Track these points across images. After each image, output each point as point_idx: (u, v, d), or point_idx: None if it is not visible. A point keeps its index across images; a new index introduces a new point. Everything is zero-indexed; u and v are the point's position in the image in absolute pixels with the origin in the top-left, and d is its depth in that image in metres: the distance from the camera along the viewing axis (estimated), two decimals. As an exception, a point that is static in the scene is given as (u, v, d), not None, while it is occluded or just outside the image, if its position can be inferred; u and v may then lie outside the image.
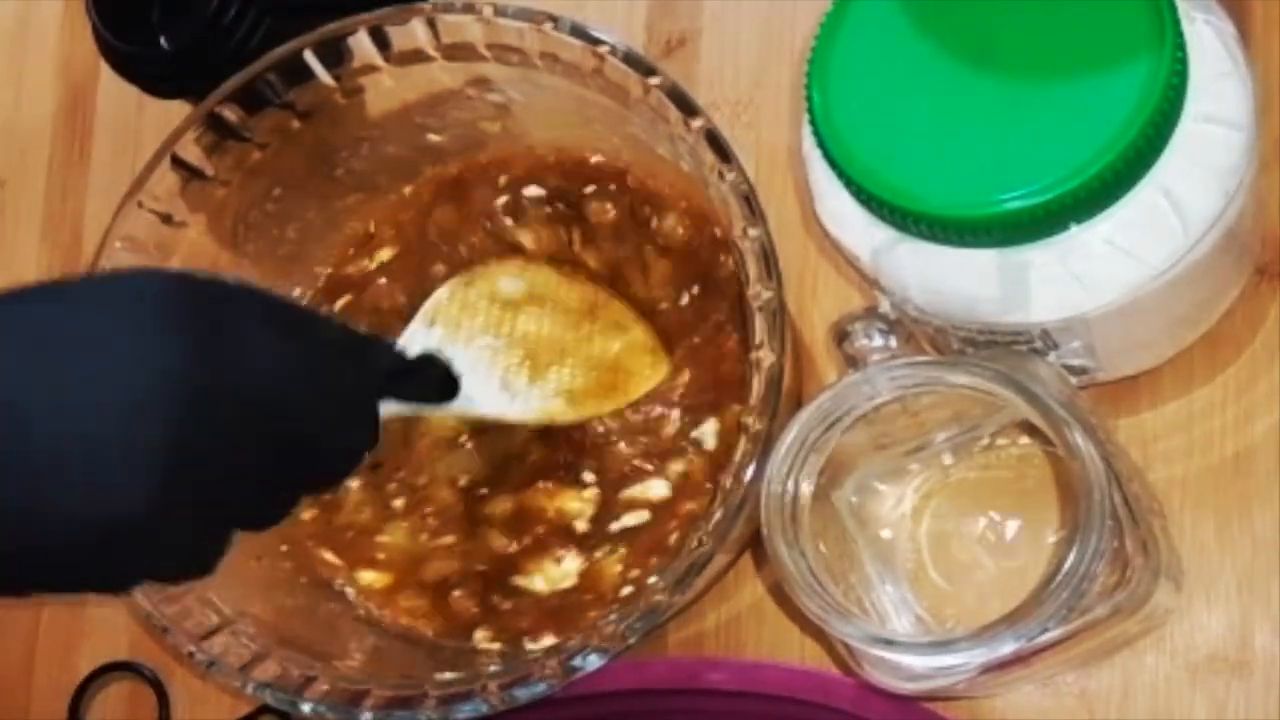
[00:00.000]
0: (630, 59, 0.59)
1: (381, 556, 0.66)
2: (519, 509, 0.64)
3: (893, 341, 0.53)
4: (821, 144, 0.50)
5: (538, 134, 0.67)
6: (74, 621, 0.72)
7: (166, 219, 0.64)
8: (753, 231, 0.56)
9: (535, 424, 0.62)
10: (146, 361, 0.45)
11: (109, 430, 0.44)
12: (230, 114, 0.63)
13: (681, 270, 0.64)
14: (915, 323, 0.54)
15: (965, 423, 0.58)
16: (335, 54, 0.63)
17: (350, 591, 0.66)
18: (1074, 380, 0.55)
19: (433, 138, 0.67)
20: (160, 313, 0.45)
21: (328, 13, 0.63)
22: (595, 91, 0.61)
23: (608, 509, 0.63)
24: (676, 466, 0.63)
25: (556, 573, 0.64)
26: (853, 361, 0.53)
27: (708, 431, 0.63)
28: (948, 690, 0.55)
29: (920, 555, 0.59)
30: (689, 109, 0.58)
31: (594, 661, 0.55)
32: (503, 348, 0.60)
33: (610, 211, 0.66)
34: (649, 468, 0.63)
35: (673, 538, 0.62)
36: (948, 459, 0.59)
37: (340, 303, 0.69)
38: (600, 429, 0.63)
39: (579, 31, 0.59)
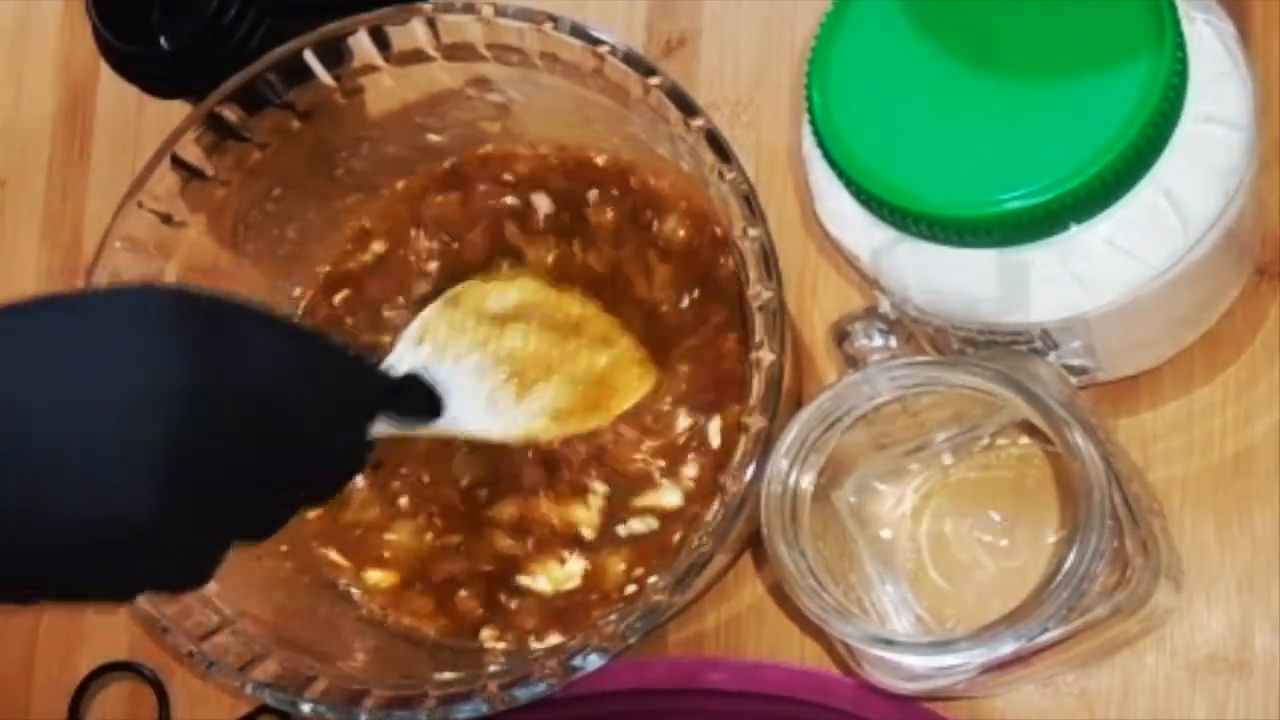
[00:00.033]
0: (630, 59, 0.59)
1: (388, 555, 0.66)
2: (523, 517, 0.64)
3: (893, 341, 0.53)
4: (821, 144, 0.50)
5: (538, 134, 0.67)
6: (74, 622, 0.72)
7: (166, 219, 0.64)
8: (753, 231, 0.56)
9: (520, 443, 0.62)
10: (146, 361, 0.45)
11: (109, 430, 0.44)
12: (230, 114, 0.63)
13: (683, 272, 0.64)
14: (915, 323, 0.54)
15: (965, 423, 0.58)
16: (335, 54, 0.63)
17: (355, 592, 0.66)
18: (1074, 380, 0.55)
19: (433, 138, 0.67)
20: (161, 315, 0.46)
21: (328, 13, 0.63)
22: (595, 91, 0.61)
23: (616, 515, 0.63)
24: (689, 471, 0.63)
25: (560, 574, 0.64)
26: (853, 361, 0.53)
27: (713, 430, 0.63)
28: (948, 690, 0.55)
29: (920, 555, 0.59)
30: (689, 109, 0.58)
31: (594, 661, 0.55)
32: (490, 366, 0.59)
33: (611, 216, 0.66)
34: (660, 472, 0.63)
35: (675, 538, 0.62)
36: (948, 459, 0.59)
37: (339, 296, 0.69)
38: (609, 435, 0.63)
39: (579, 31, 0.59)
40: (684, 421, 0.63)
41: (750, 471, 0.54)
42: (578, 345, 0.62)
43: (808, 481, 0.52)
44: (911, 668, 0.53)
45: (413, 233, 0.68)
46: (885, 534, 0.59)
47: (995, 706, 0.59)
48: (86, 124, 0.78)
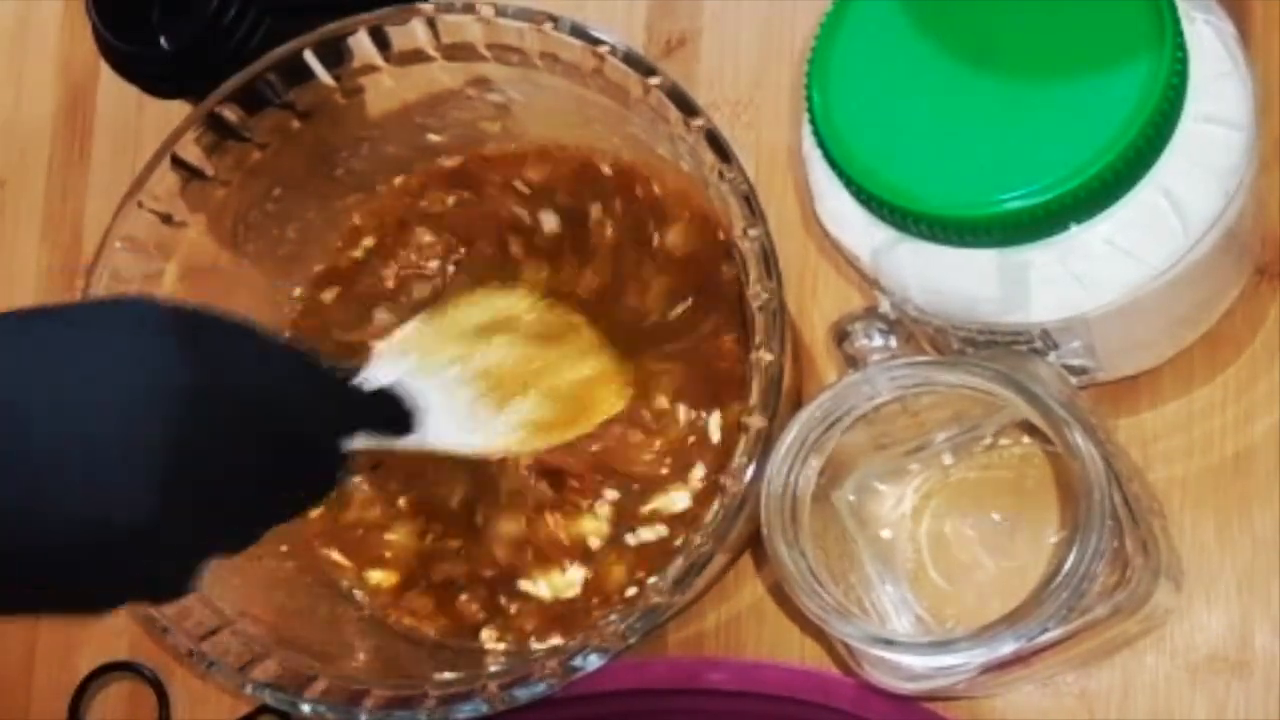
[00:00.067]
0: (630, 59, 0.59)
1: (389, 555, 0.66)
2: (527, 536, 0.64)
3: (893, 341, 0.53)
4: (821, 144, 0.50)
5: (537, 134, 0.67)
6: (74, 621, 0.71)
7: (166, 219, 0.64)
8: (753, 231, 0.56)
9: (496, 456, 0.62)
10: (146, 361, 0.45)
11: (109, 430, 0.44)
12: (230, 114, 0.63)
13: (679, 282, 0.64)
14: (915, 323, 0.54)
15: (965, 423, 0.58)
16: (335, 54, 0.63)
17: (356, 592, 0.66)
18: (1074, 380, 0.55)
19: (433, 138, 0.67)
20: (158, 320, 0.46)
21: (328, 13, 0.63)
22: (595, 91, 0.61)
23: (625, 524, 0.63)
24: (696, 472, 0.63)
25: (561, 581, 0.64)
26: (853, 361, 0.53)
27: (713, 425, 0.63)
28: (948, 690, 0.55)
29: (920, 555, 0.59)
30: (689, 109, 0.58)
31: (594, 661, 0.55)
32: (469, 379, 0.59)
33: (612, 232, 0.65)
34: (668, 471, 0.63)
35: (678, 541, 0.62)
36: (948, 459, 0.59)
37: (329, 294, 0.69)
38: (613, 440, 0.63)
39: (579, 31, 0.59)
40: (685, 415, 0.63)
41: (750, 471, 0.54)
42: (559, 357, 0.62)
43: (808, 481, 0.52)
44: (911, 668, 0.53)
45: (416, 230, 0.68)
46: (885, 534, 0.59)
47: (995, 706, 0.59)
48: (86, 124, 0.78)
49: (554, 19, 0.60)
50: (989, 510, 0.58)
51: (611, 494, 0.63)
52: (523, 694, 0.56)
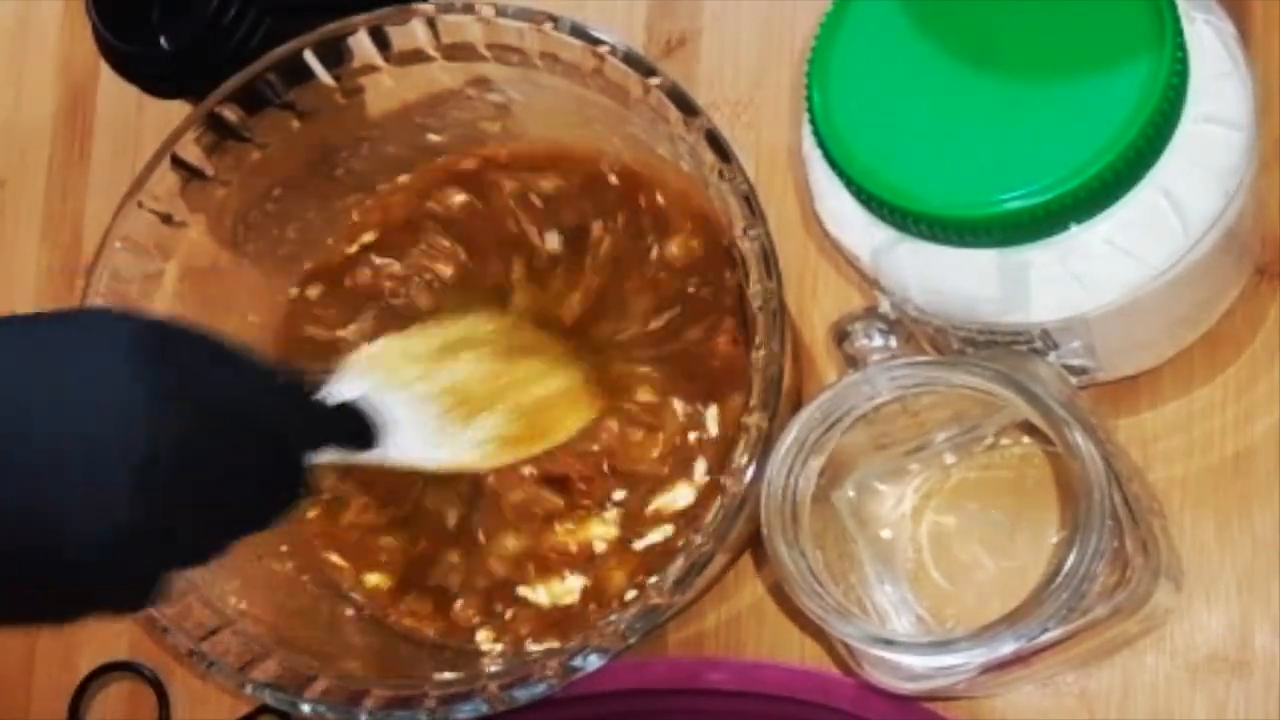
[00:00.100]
0: (630, 59, 0.59)
1: (384, 559, 0.65)
2: (531, 549, 0.64)
3: (893, 341, 0.53)
4: (821, 144, 0.50)
5: (537, 134, 0.67)
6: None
7: (166, 219, 0.64)
8: (753, 231, 0.56)
9: (460, 471, 0.61)
10: (113, 374, 0.45)
11: (109, 430, 0.44)
12: (230, 114, 0.63)
13: (666, 294, 0.64)
14: (915, 323, 0.54)
15: (965, 423, 0.58)
16: (335, 54, 0.63)
17: (355, 594, 0.66)
18: (1074, 380, 0.55)
19: (433, 138, 0.67)
20: (125, 330, 0.46)
21: (328, 13, 0.63)
22: (595, 91, 0.61)
23: (633, 527, 0.63)
24: (699, 467, 0.63)
25: (560, 588, 0.64)
26: (853, 361, 0.53)
27: (710, 418, 0.63)
28: (948, 690, 0.55)
29: (920, 555, 0.59)
30: (689, 109, 0.58)
31: (594, 661, 0.55)
32: (435, 394, 0.59)
33: (608, 246, 0.65)
34: (671, 468, 0.63)
35: (680, 543, 0.62)
36: (948, 459, 0.59)
37: (314, 291, 0.69)
38: (614, 440, 0.63)
39: (579, 31, 0.59)
40: (680, 408, 0.63)
41: (750, 471, 0.54)
42: (526, 374, 0.61)
43: (808, 481, 0.52)
44: (911, 668, 0.53)
45: (421, 231, 0.68)
46: (885, 534, 0.59)
47: (995, 706, 0.59)
48: (86, 124, 0.78)
49: (554, 19, 0.60)
50: (989, 510, 0.58)
51: (619, 494, 0.63)
52: (523, 694, 0.56)
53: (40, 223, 0.77)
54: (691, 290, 0.64)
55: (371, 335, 0.66)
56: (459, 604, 0.64)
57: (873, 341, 0.53)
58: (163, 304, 0.64)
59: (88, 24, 0.67)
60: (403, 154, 0.68)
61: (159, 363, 0.45)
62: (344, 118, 0.65)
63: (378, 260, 0.68)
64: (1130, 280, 0.50)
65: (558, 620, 0.63)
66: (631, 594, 0.62)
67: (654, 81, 0.58)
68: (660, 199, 0.65)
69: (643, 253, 0.65)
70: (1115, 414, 0.60)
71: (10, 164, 0.79)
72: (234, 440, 0.48)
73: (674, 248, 0.64)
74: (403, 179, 0.68)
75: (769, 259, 0.56)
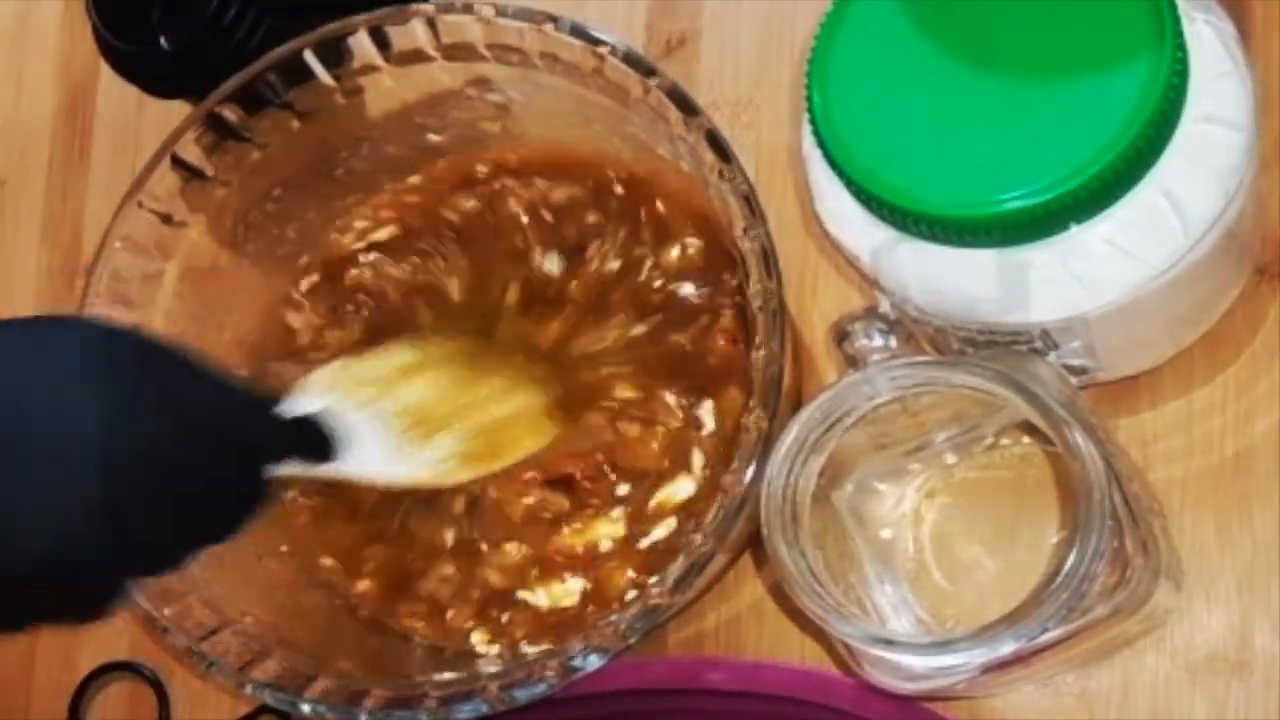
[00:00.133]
0: (630, 59, 0.59)
1: (372, 568, 0.65)
2: (537, 555, 0.64)
3: (893, 341, 0.53)
4: (821, 144, 0.50)
5: (537, 134, 0.67)
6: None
7: (166, 219, 0.64)
8: (753, 231, 0.56)
9: (422, 487, 0.61)
10: (103, 375, 0.44)
11: (65, 441, 0.44)
12: (230, 114, 0.63)
13: (649, 303, 0.64)
14: (915, 323, 0.54)
15: (965, 423, 0.58)
16: (335, 54, 0.63)
17: (352, 596, 0.66)
18: (1074, 380, 0.55)
19: (433, 138, 0.67)
20: (87, 340, 0.46)
21: (328, 13, 0.63)
22: (595, 91, 0.61)
23: (638, 524, 0.63)
24: (696, 460, 0.63)
25: (560, 590, 0.64)
26: (853, 361, 0.53)
27: (705, 411, 0.63)
28: (948, 690, 0.55)
29: (920, 555, 0.59)
30: (689, 109, 0.58)
31: (594, 661, 0.55)
32: (394, 412, 0.58)
33: (597, 267, 0.65)
34: (670, 461, 0.63)
35: (680, 538, 0.62)
36: (948, 459, 0.59)
37: (306, 284, 0.69)
38: (613, 438, 0.63)
39: (579, 31, 0.59)
40: (671, 400, 0.63)
41: (750, 471, 0.54)
42: (485, 393, 0.61)
43: (808, 481, 0.52)
44: (911, 668, 0.53)
45: (424, 234, 0.68)
46: (885, 534, 0.59)
47: (995, 706, 0.59)
48: (86, 124, 0.78)
49: (554, 19, 0.60)
50: (989, 510, 0.58)
51: (623, 489, 0.63)
52: (523, 694, 0.56)
53: (40, 223, 0.77)
54: (682, 294, 0.64)
55: (358, 340, 0.66)
56: (450, 613, 0.64)
57: (873, 341, 0.53)
58: (163, 304, 0.64)
59: (88, 24, 0.67)
60: (403, 154, 0.68)
61: (115, 374, 0.45)
62: (344, 118, 0.65)
63: (375, 258, 0.68)
64: (1130, 280, 0.50)
65: (555, 624, 0.63)
66: (631, 594, 0.62)
67: (654, 81, 0.58)
68: (661, 206, 0.65)
69: (635, 266, 0.65)
70: (1115, 414, 0.60)
71: (10, 164, 0.79)
72: (192, 451, 0.47)
73: (670, 255, 0.64)
74: (413, 180, 0.68)
75: (769, 259, 0.56)
